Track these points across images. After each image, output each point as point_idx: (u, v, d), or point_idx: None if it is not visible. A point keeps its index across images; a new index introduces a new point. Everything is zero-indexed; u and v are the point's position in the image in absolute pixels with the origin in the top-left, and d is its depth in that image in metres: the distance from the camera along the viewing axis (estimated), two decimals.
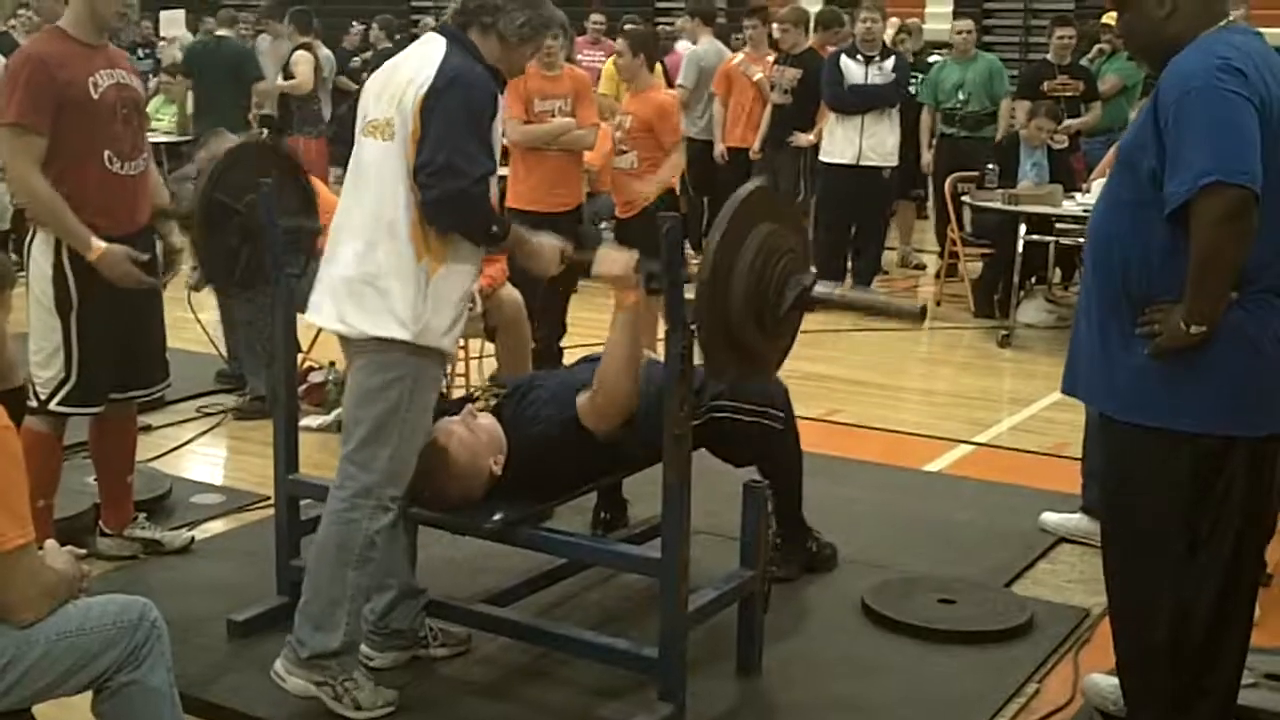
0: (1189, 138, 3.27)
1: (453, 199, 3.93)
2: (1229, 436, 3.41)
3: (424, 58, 4.04)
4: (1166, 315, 3.38)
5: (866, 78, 10.37)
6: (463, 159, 3.92)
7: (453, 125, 3.93)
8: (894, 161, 10.50)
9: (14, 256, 5.25)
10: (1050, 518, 5.81)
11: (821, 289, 3.98)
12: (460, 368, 7.32)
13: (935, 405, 8.15)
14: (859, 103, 10.34)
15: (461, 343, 7.29)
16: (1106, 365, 3.51)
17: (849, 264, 10.81)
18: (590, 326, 8.14)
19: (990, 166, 10.14)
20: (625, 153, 7.85)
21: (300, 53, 11.86)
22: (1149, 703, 3.63)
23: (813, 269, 3.96)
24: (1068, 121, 10.71)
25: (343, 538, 4.10)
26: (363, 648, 4.41)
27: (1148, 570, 3.53)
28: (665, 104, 7.89)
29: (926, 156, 11.58)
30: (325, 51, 13.23)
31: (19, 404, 6.19)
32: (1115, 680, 4.05)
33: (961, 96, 11.37)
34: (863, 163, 10.22)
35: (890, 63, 10.48)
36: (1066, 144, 10.57)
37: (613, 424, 4.36)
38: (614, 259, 4.13)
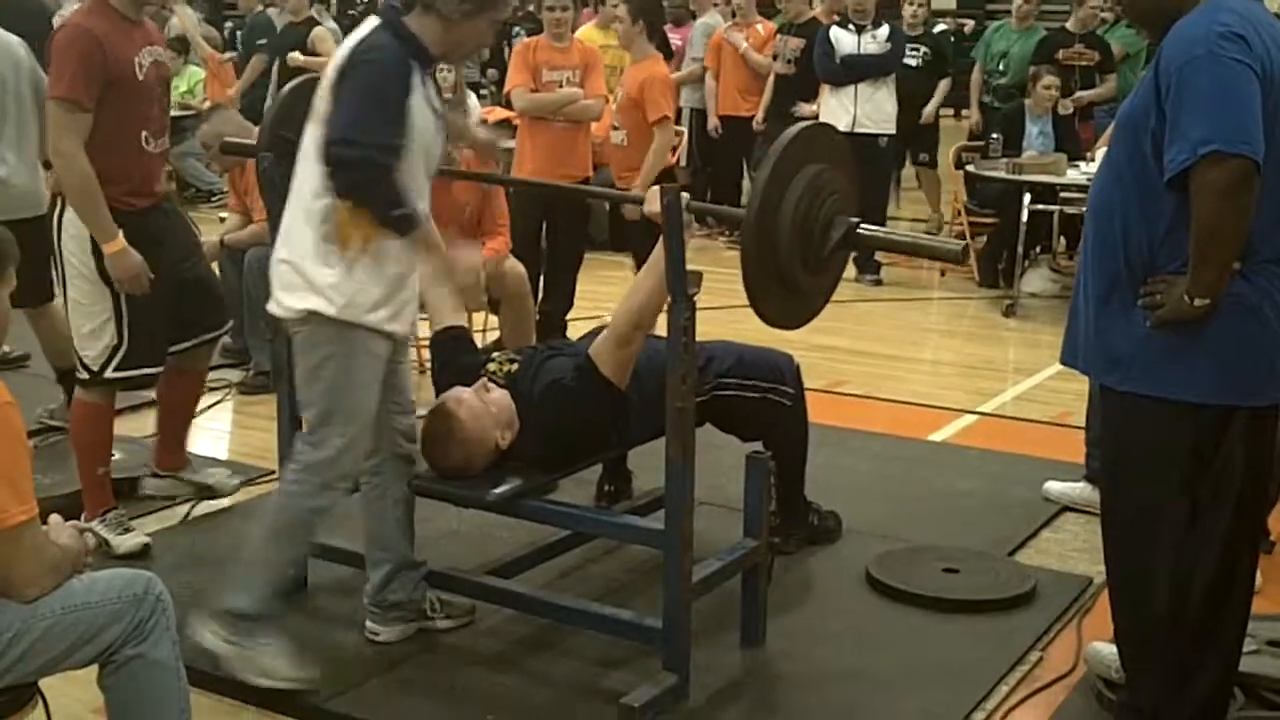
0: (1190, 106, 3.25)
1: (350, 166, 3.88)
2: (1230, 406, 3.41)
3: (348, 41, 4.05)
4: (1169, 287, 3.36)
5: (859, 47, 10.27)
6: (360, 132, 3.87)
7: (354, 100, 3.90)
8: (891, 129, 10.41)
9: None
10: (1054, 487, 5.82)
11: (866, 229, 3.98)
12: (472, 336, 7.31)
13: (940, 375, 8.16)
14: (851, 74, 10.25)
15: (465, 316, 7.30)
16: (1106, 335, 3.50)
17: None
18: (597, 300, 8.15)
19: (994, 136, 10.12)
20: (617, 129, 7.81)
21: (320, 29, 11.71)
22: (1148, 672, 3.63)
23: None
24: (1080, 93, 10.67)
25: (281, 509, 4.15)
26: (368, 624, 4.46)
27: (1147, 540, 3.52)
28: (652, 76, 7.75)
29: (977, 116, 11.58)
30: (332, 25, 13.19)
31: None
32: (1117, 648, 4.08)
33: (1001, 67, 11.35)
34: (858, 130, 10.00)
35: (884, 31, 10.36)
36: (1072, 110, 10.53)
37: (624, 356, 4.35)
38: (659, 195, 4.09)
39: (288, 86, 4.83)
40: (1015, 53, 11.30)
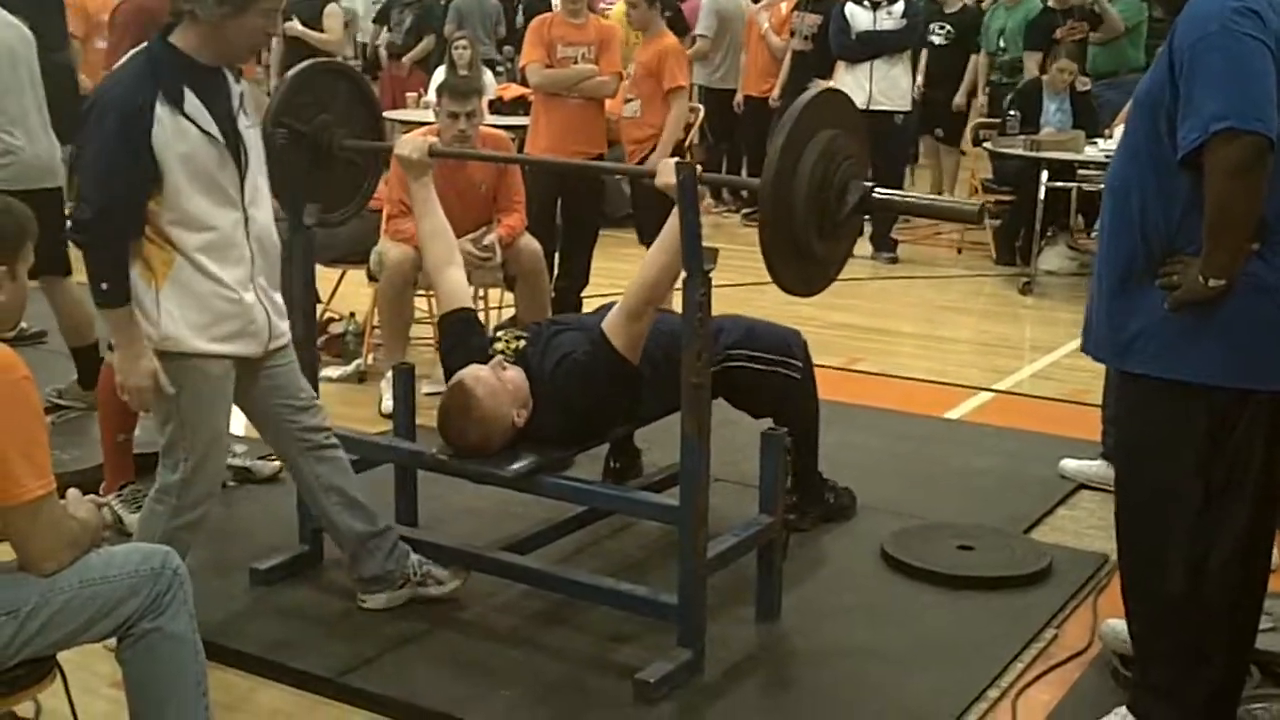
0: (1202, 82, 3.23)
1: (79, 227, 3.85)
2: (1245, 389, 3.39)
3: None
4: (1185, 268, 3.34)
5: (875, 23, 10.21)
6: (94, 189, 3.83)
7: (89, 151, 3.87)
8: (907, 106, 10.38)
9: None
10: (1070, 464, 5.81)
11: (881, 193, 3.97)
12: (480, 319, 7.32)
13: (956, 353, 8.14)
14: (867, 51, 10.19)
15: (481, 293, 7.32)
16: (1122, 317, 3.48)
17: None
18: (613, 276, 8.15)
19: (1011, 113, 10.09)
20: (631, 101, 7.81)
21: (332, 6, 11.37)
22: (1161, 654, 3.62)
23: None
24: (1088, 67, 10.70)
25: (146, 522, 4.16)
26: (358, 594, 4.51)
27: (1161, 523, 3.50)
28: (665, 48, 7.78)
29: (982, 98, 11.60)
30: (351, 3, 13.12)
31: (93, 360, 6.25)
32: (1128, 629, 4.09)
33: (1001, 44, 11.33)
34: (873, 107, 10.00)
35: (899, 7, 10.29)
36: (1089, 86, 10.50)
37: (637, 331, 4.35)
38: (671, 167, 4.09)
39: (290, 73, 4.81)
40: (1010, 26, 11.28)
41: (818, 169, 3.79)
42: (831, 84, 10.49)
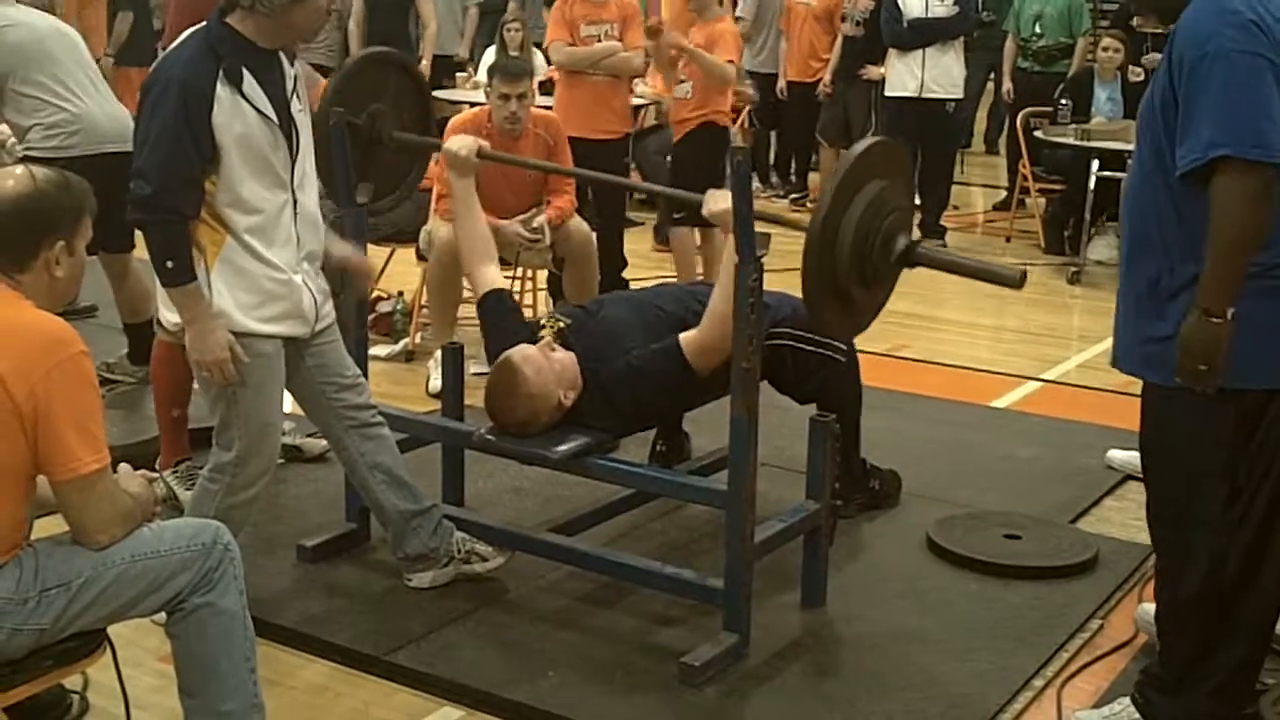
0: (1201, 104, 3.16)
1: (138, 204, 3.86)
2: (1273, 390, 3.36)
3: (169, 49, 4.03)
4: (1186, 323, 3.26)
5: (926, 10, 10.09)
6: (152, 166, 3.83)
7: (147, 128, 3.87)
8: (959, 94, 10.26)
9: None
10: (1117, 455, 5.79)
11: (924, 248, 3.99)
12: (528, 299, 7.34)
13: (1003, 341, 8.12)
14: (918, 38, 10.08)
15: (530, 274, 7.33)
16: (1148, 329, 3.42)
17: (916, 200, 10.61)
18: (663, 260, 8.15)
19: (1063, 102, 10.02)
20: (683, 82, 7.81)
21: None
22: (1172, 648, 3.63)
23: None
24: (1154, 54, 10.60)
25: (199, 500, 4.19)
26: (404, 573, 4.54)
27: (1188, 521, 3.49)
28: (720, 31, 7.71)
29: (1008, 84, 11.49)
30: None
31: (146, 336, 6.27)
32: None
33: (1038, 30, 11.23)
34: (925, 95, 9.94)
35: None
36: (1142, 77, 10.43)
37: (716, 360, 4.33)
38: (719, 197, 4.10)
39: (344, 65, 4.87)
40: (1049, 12, 11.13)
41: (865, 218, 3.80)
42: (882, 70, 10.45)
